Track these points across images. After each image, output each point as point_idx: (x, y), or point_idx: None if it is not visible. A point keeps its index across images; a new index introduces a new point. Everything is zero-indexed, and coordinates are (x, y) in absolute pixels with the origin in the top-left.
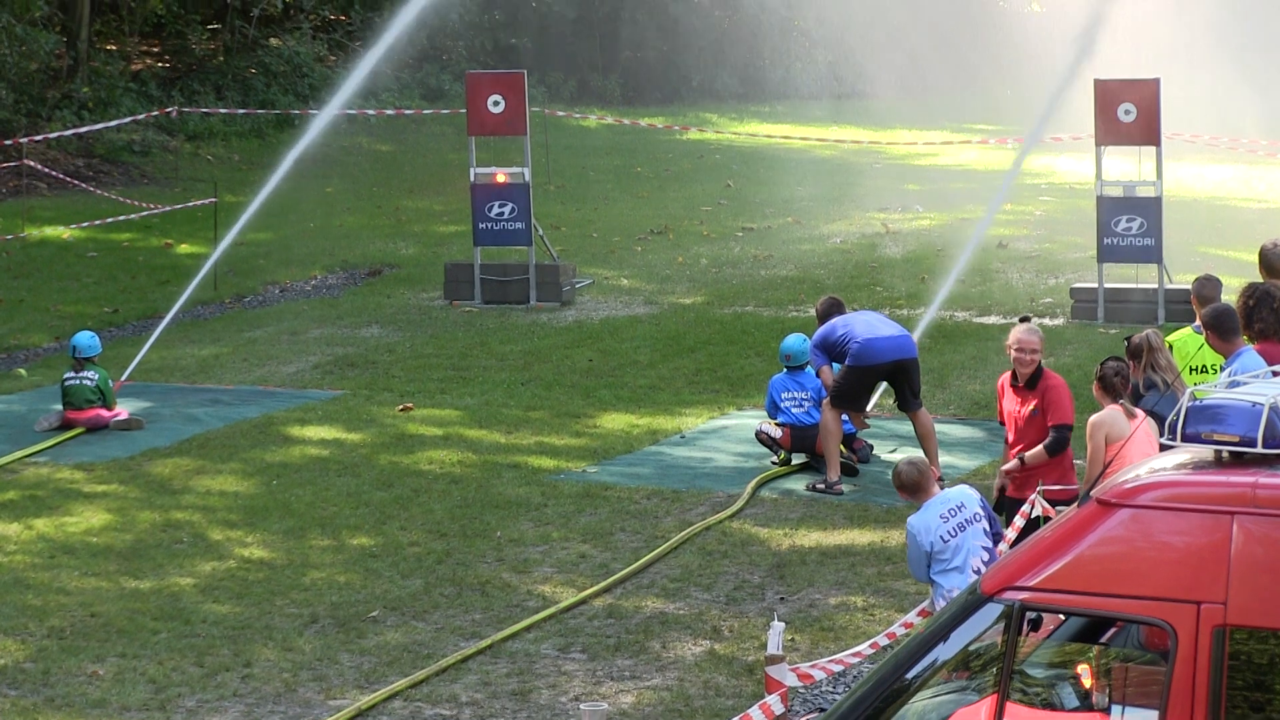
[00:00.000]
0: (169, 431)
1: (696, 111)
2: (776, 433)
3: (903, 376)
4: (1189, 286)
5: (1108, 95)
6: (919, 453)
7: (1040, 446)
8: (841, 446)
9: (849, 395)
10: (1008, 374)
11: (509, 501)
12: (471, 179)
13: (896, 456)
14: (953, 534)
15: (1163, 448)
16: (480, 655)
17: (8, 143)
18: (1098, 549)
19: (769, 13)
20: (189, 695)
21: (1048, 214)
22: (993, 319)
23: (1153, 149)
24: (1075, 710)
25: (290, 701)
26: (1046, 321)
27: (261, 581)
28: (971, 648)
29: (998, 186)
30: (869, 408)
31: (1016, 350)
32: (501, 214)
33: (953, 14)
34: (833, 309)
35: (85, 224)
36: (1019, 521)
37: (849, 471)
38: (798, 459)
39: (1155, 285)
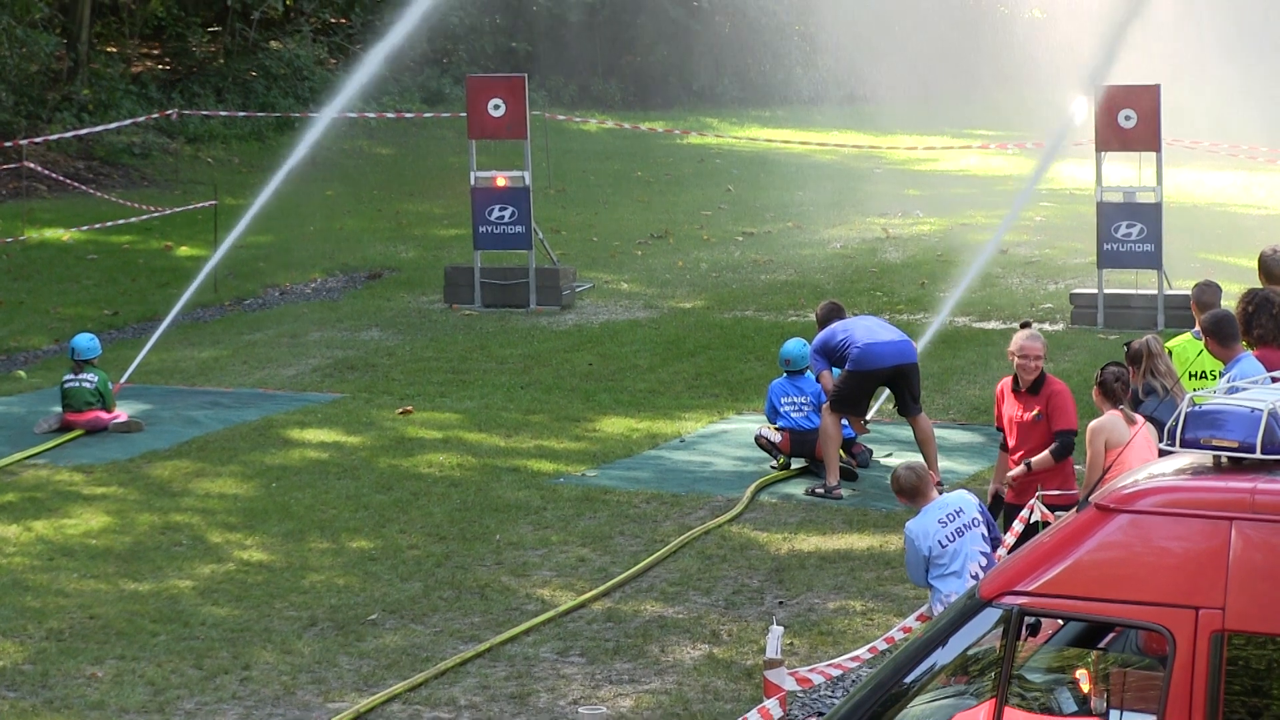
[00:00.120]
0: (168, 434)
1: (697, 116)
2: (776, 437)
3: (903, 381)
4: (1189, 292)
5: (1109, 101)
6: (917, 457)
7: (1046, 452)
8: (841, 451)
9: (849, 400)
10: (1008, 379)
11: (508, 505)
12: (472, 182)
13: (893, 461)
14: (951, 539)
15: (1162, 453)
16: (479, 658)
17: (8, 145)
18: (1096, 554)
19: (770, 17)
20: (188, 697)
21: (1048, 219)
22: (993, 324)
23: (1153, 155)
24: (1073, 715)
25: (289, 704)
26: (1046, 327)
27: (260, 584)
28: (970, 652)
29: (998, 191)
30: (870, 415)
31: (1020, 357)
32: (502, 217)
33: (954, 19)
34: (833, 314)
35: (85, 226)
36: (1018, 526)
37: (848, 476)
38: (797, 463)
39: (1155, 291)
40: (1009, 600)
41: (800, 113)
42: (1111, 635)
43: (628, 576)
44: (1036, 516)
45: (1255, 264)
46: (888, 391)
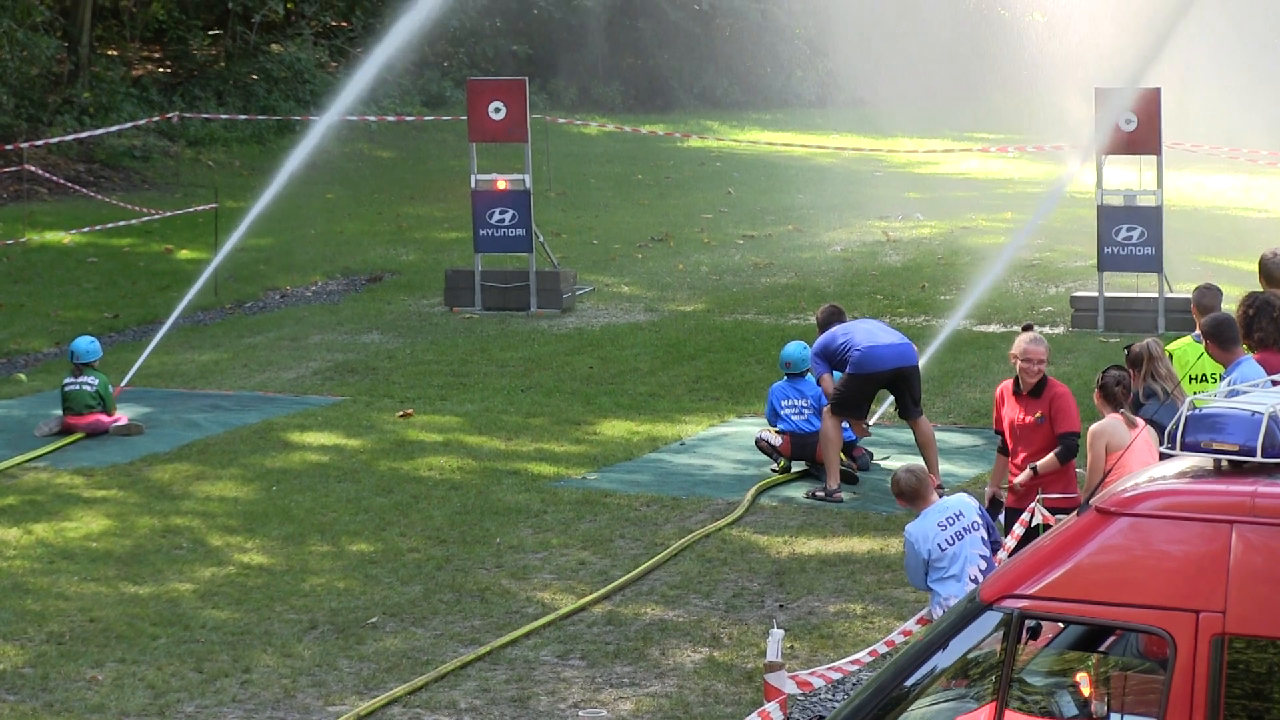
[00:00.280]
0: (169, 437)
1: (697, 119)
2: (776, 440)
3: (903, 384)
4: (1189, 295)
5: (1108, 103)
6: (918, 460)
7: (1052, 455)
8: (841, 454)
9: (849, 403)
10: (1008, 382)
11: (509, 508)
12: (472, 185)
13: (892, 464)
14: (950, 542)
15: (1162, 456)
16: (479, 662)
17: (8, 148)
18: (1097, 557)
19: (771, 20)
20: (188, 701)
21: (1048, 222)
22: (993, 327)
23: (1154, 158)
24: (1074, 718)
25: (289, 707)
26: (1047, 330)
27: (261, 587)
28: (970, 655)
29: (999, 195)
30: (871, 419)
31: (1023, 361)
32: (502, 220)
33: (954, 22)
34: (833, 317)
35: (86, 229)
36: (1018, 530)
37: (849, 479)
38: (798, 466)
39: (1155, 294)
40: (1009, 603)
41: (801, 116)
42: (1112, 639)
43: (628, 580)
44: (1038, 519)
45: (1256, 267)
46: (891, 398)
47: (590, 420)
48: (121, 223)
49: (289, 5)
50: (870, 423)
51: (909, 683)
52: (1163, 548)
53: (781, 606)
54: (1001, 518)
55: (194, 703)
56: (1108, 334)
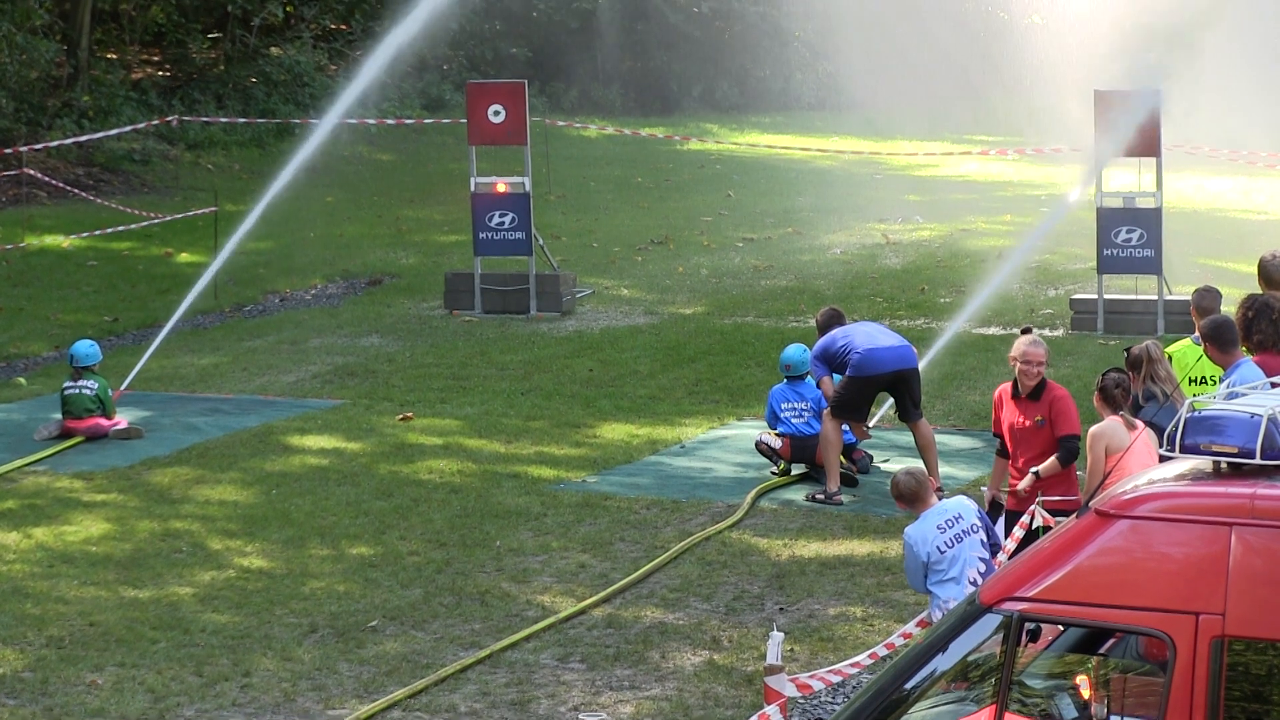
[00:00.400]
0: (168, 440)
1: (697, 122)
2: (776, 443)
3: (903, 387)
4: (1188, 298)
5: (1107, 105)
6: (917, 463)
7: (1053, 459)
8: (841, 457)
9: (849, 406)
10: (1007, 385)
11: (508, 511)
12: (472, 188)
13: (892, 466)
14: (950, 545)
15: (1162, 459)
16: (479, 665)
17: (8, 151)
18: (1096, 560)
19: (770, 23)
20: (188, 705)
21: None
22: (993, 330)
23: (1153, 160)
24: None
25: (289, 711)
26: (1046, 332)
27: (261, 591)
28: (970, 658)
29: (998, 197)
30: (871, 422)
31: (1023, 363)
32: (502, 224)
33: (953, 25)
34: (833, 320)
35: (85, 233)
36: (1018, 532)
37: (848, 482)
38: (797, 469)
39: (1155, 296)
40: (1009, 606)
41: (800, 119)
42: (1112, 641)
43: (628, 583)
44: (1038, 522)
45: (1255, 269)
46: (891, 400)
47: (590, 423)
48: (121, 226)
49: (288, 8)
50: (870, 425)
51: (909, 685)
52: (1162, 550)
53: (781, 609)
54: (1001, 521)
55: (194, 706)
56: (1107, 336)
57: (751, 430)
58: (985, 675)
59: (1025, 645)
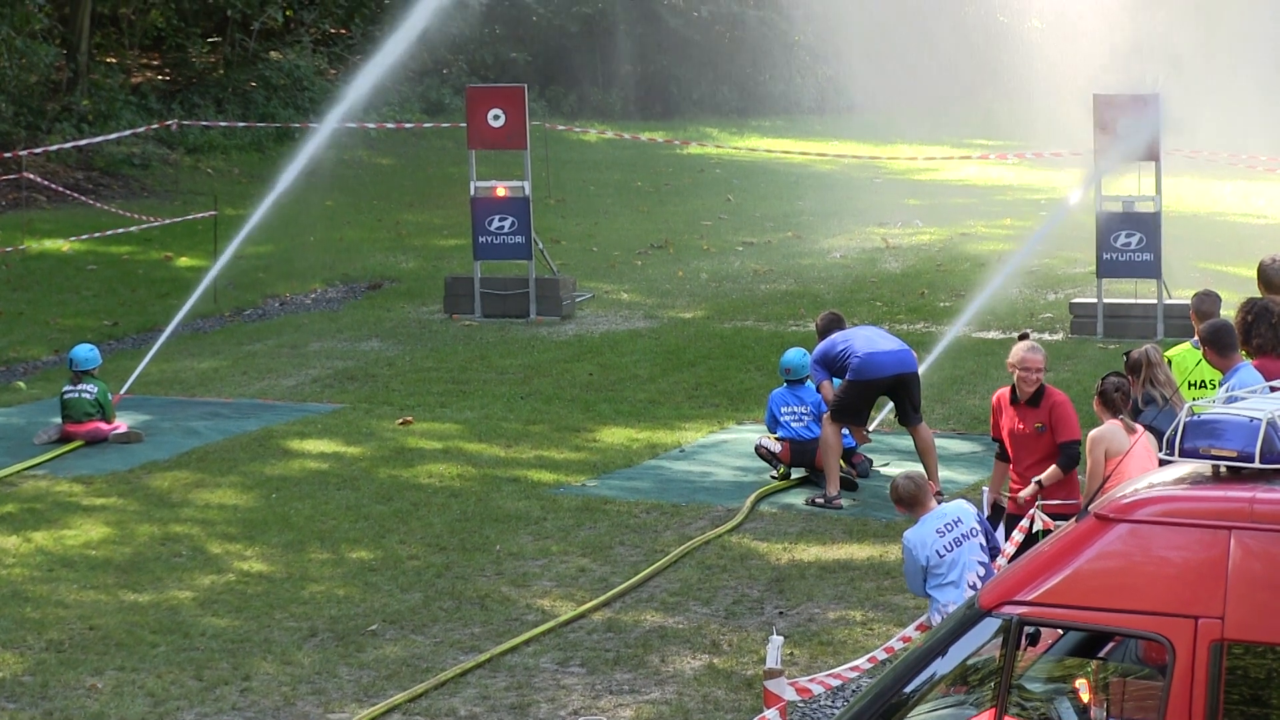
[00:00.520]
0: (168, 444)
1: (697, 126)
2: (776, 447)
3: (903, 391)
4: (1188, 301)
5: (1106, 110)
6: (917, 467)
7: (1055, 467)
8: (841, 461)
9: (849, 410)
10: (1005, 390)
11: (508, 515)
12: (472, 193)
13: (892, 470)
14: (949, 548)
15: (1161, 463)
16: (479, 669)
17: (7, 155)
18: (1096, 564)
19: (770, 27)
20: (187, 708)
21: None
22: (992, 334)
23: (1152, 164)
24: None
25: (289, 715)
26: (1046, 336)
27: (260, 595)
28: (970, 662)
29: (998, 201)
30: (871, 426)
31: (1021, 370)
32: (502, 228)
33: (953, 29)
34: (833, 324)
35: (85, 237)
36: (1018, 536)
37: (848, 486)
38: (797, 473)
39: (1154, 300)
40: (1008, 610)
41: (800, 123)
42: (1111, 645)
43: (628, 587)
44: (1038, 525)
45: (1254, 273)
46: (891, 404)
47: (590, 427)
48: (120, 230)
49: (288, 13)
50: (870, 429)
51: (908, 689)
52: (1161, 554)
53: (781, 613)
54: (1002, 525)
55: (194, 710)
56: (1107, 340)
57: (751, 434)
58: (985, 679)
59: (1025, 649)
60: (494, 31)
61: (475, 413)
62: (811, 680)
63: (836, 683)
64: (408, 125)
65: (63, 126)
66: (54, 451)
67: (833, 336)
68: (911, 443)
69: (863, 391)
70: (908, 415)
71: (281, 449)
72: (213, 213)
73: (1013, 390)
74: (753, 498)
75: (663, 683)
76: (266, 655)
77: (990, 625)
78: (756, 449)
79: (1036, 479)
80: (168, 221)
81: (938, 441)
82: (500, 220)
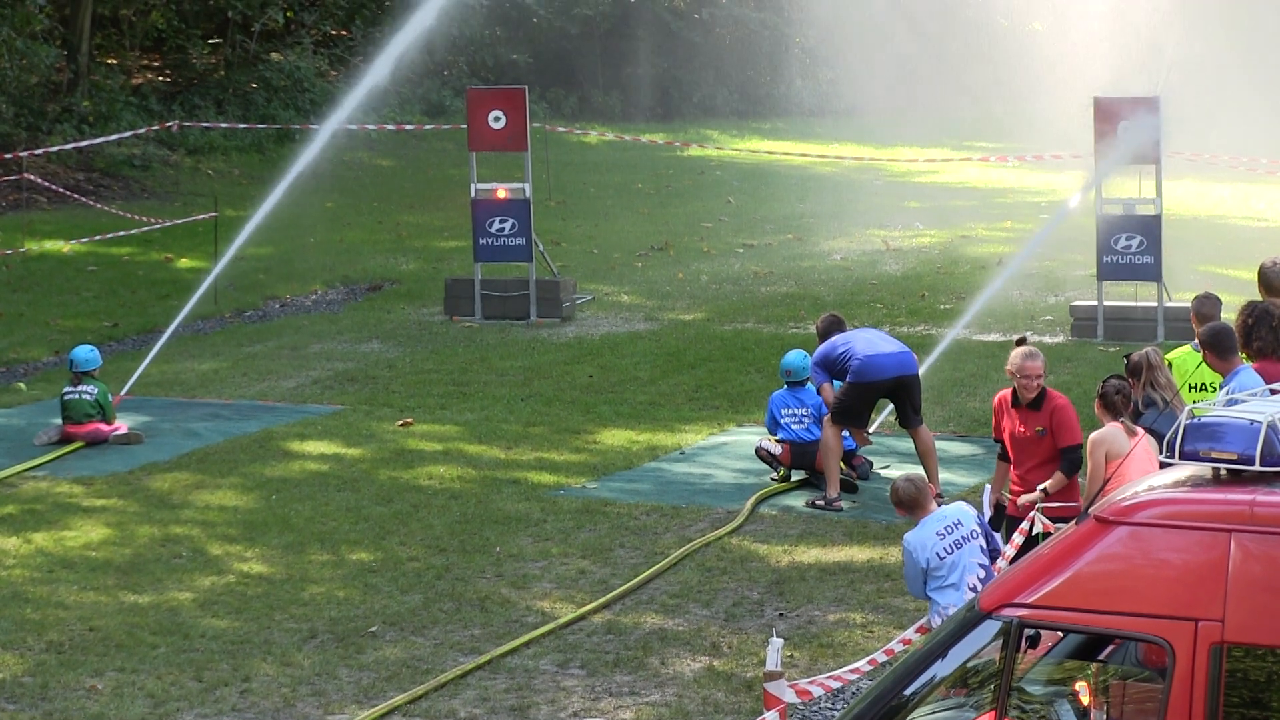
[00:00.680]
0: (168, 446)
1: (697, 128)
2: (776, 449)
3: (903, 393)
4: (1188, 304)
5: (1107, 113)
6: (917, 469)
7: (1058, 473)
8: (841, 463)
9: (850, 412)
10: (1007, 391)
11: (508, 517)
12: (472, 194)
13: (892, 473)
14: (949, 551)
15: (1162, 465)
16: (479, 671)
17: (8, 156)
18: (1096, 566)
19: (770, 30)
20: (187, 710)
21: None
22: (992, 336)
23: (1152, 167)
24: None
25: (289, 716)
26: (1046, 339)
27: (260, 596)
28: (970, 664)
29: (998, 204)
30: (871, 428)
31: (1021, 378)
32: (502, 229)
33: (954, 32)
34: (833, 326)
35: (85, 238)
36: (1018, 538)
37: (848, 488)
38: (797, 475)
39: (1155, 303)
40: (1009, 612)
41: (800, 125)
42: (1111, 647)
43: (628, 589)
44: (1038, 528)
45: (1255, 276)
46: (891, 406)
47: (590, 429)
48: (121, 232)
49: (289, 14)
50: (870, 431)
51: (908, 691)
52: (1162, 556)
53: (781, 615)
54: (1003, 526)
55: (194, 712)
56: (1107, 343)
57: (751, 436)
58: (984, 681)
59: (1024, 651)
60: (495, 33)
61: (475, 414)
62: (811, 682)
63: (836, 685)
64: (408, 127)
65: (63, 127)
66: (54, 453)
67: (833, 339)
68: (912, 445)
69: (863, 394)
70: (908, 417)
71: (282, 450)
72: (213, 214)
73: (1014, 392)
74: (753, 500)
75: (662, 685)
76: (266, 657)
77: (990, 628)
78: (757, 451)
79: (1042, 486)
80: (168, 223)
81: (938, 444)
82: (501, 222)
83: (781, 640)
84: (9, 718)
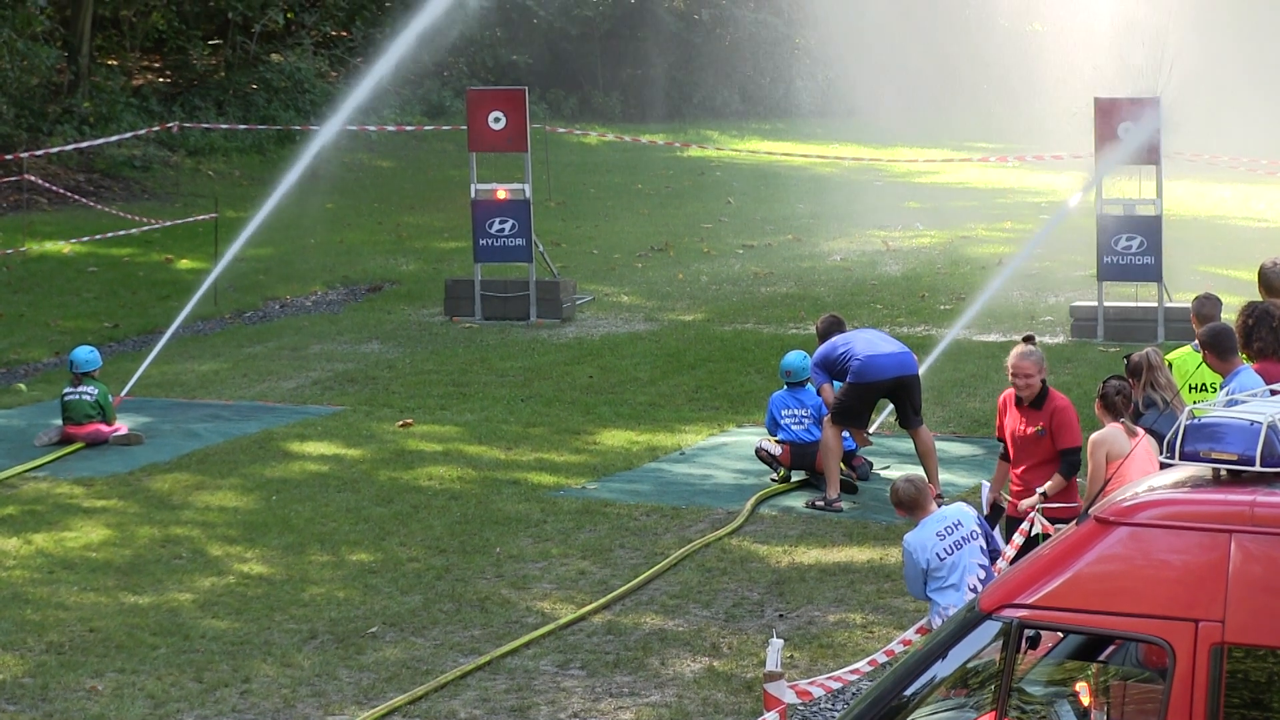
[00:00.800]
0: (168, 447)
1: (697, 128)
2: (776, 450)
3: (904, 393)
4: (1189, 305)
5: (1107, 113)
6: (917, 470)
7: (1057, 476)
8: (841, 464)
9: (850, 412)
10: (1011, 390)
11: (508, 517)
12: (472, 195)
13: (892, 473)
14: (949, 551)
15: (1162, 466)
16: (479, 671)
17: (8, 157)
18: (1096, 567)
19: (770, 30)
20: (188, 711)
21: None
22: (993, 337)
23: (1153, 167)
24: None
25: (289, 717)
26: (1047, 340)
27: (260, 597)
28: (970, 665)
29: (999, 204)
30: (871, 428)
31: (1012, 375)
32: (502, 230)
33: (953, 32)
34: (833, 327)
35: (86, 239)
36: (1018, 539)
37: (848, 489)
38: (797, 476)
39: (1155, 304)
40: (1009, 613)
41: (800, 125)
42: (1111, 648)
43: (628, 589)
44: (1037, 529)
45: (1255, 277)
46: (891, 406)
47: (590, 430)
48: (121, 232)
49: (289, 15)
50: (870, 432)
51: (908, 692)
52: (1162, 557)
53: (781, 616)
54: (1001, 525)
55: (194, 713)
56: (1107, 343)
57: (751, 437)
58: (985, 682)
59: (1025, 652)
60: (495, 34)
61: (475, 415)
62: (811, 683)
63: (837, 685)
64: (408, 128)
65: (64, 128)
66: (54, 453)
67: (833, 339)
68: (912, 445)
69: (863, 394)
70: (908, 418)
71: (282, 451)
72: (213, 215)
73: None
74: (753, 500)
75: (663, 685)
76: (266, 657)
77: (990, 628)
78: (757, 452)
79: (1041, 490)
80: (168, 224)
81: (938, 444)
82: (501, 223)
83: (781, 641)
84: (9, 719)
